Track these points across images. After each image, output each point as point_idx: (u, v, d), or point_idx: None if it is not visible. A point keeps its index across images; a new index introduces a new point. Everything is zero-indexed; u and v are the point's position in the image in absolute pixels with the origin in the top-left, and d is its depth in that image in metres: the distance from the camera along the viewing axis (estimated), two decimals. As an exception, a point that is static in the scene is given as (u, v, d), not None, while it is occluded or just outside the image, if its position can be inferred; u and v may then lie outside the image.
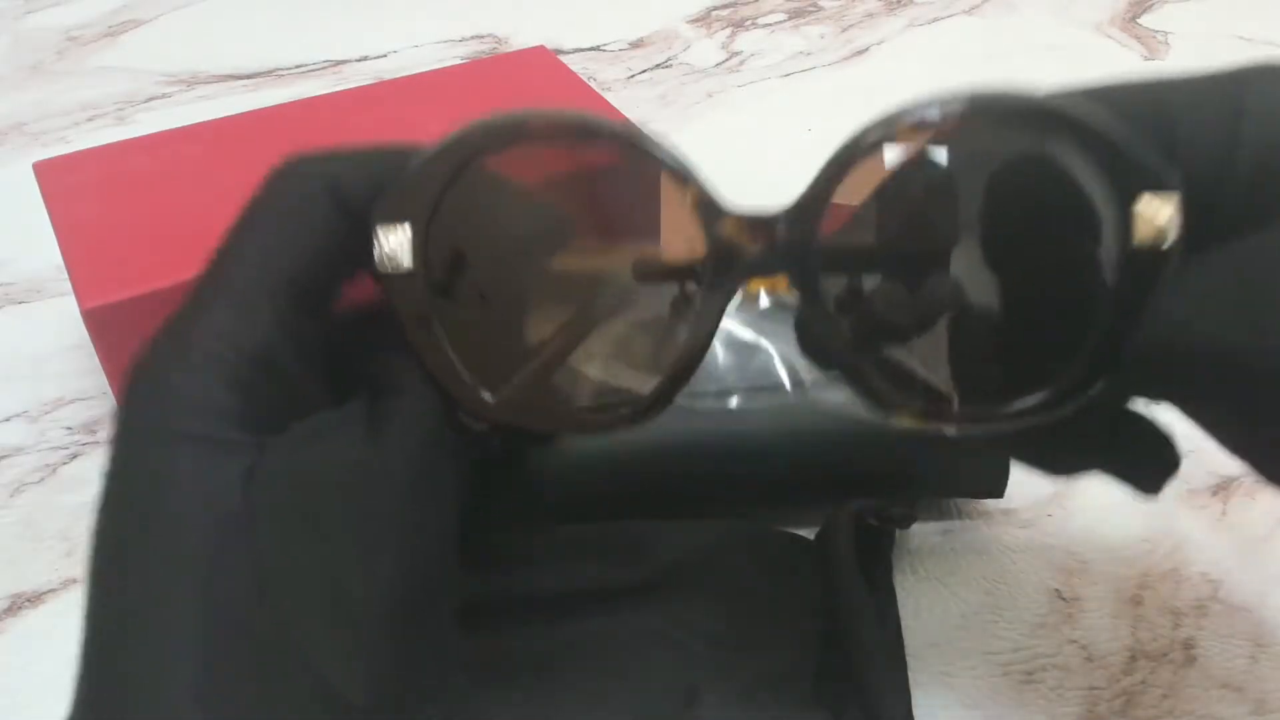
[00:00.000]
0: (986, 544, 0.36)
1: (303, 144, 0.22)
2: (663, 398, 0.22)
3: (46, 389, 0.43)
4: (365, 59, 0.67)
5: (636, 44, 0.69)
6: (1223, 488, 0.38)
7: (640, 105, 0.63)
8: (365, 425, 0.20)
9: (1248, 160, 0.20)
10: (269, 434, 0.20)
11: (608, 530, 0.34)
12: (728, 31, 0.71)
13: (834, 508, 0.33)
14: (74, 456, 0.40)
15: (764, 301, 0.37)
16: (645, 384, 0.22)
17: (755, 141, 0.59)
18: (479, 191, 0.22)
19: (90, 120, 0.61)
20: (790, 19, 0.72)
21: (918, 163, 0.21)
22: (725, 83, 0.65)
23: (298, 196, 0.22)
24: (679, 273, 0.22)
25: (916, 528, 0.35)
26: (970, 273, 0.23)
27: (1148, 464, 0.25)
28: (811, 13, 0.73)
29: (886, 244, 0.22)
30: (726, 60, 0.67)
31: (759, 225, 0.21)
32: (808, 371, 0.34)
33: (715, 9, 0.74)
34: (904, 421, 0.22)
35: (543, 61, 0.51)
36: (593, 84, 0.57)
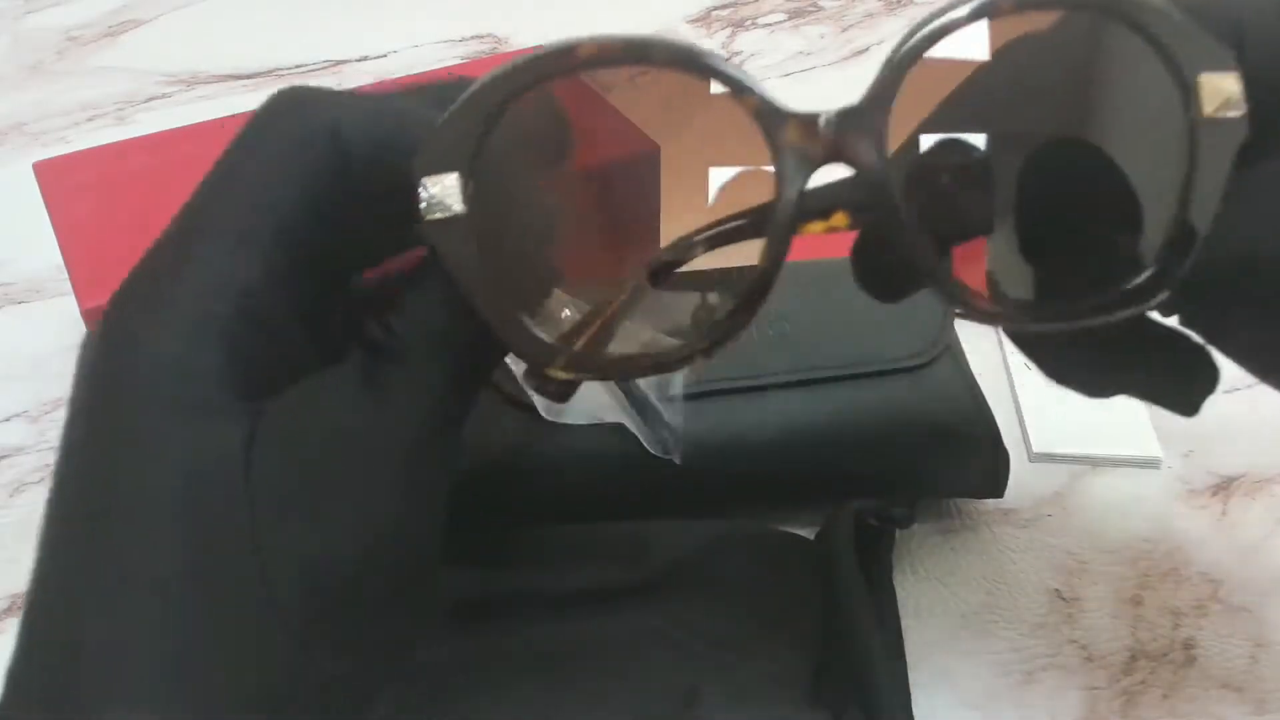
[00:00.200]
0: (986, 544, 0.36)
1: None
2: (738, 320, 0.20)
3: (46, 389, 0.43)
4: (365, 59, 0.67)
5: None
6: (1223, 488, 0.38)
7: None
8: (367, 391, 0.19)
9: None
10: (261, 398, 0.19)
11: (608, 530, 0.34)
12: (728, 31, 0.71)
13: (834, 508, 0.33)
14: (74, 456, 0.40)
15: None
16: (719, 311, 0.21)
17: (755, 141, 0.59)
18: (529, 129, 0.20)
19: (90, 120, 0.61)
20: (790, 19, 0.72)
21: (981, 52, 0.21)
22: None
23: (295, 135, 0.20)
24: (749, 189, 0.21)
25: (916, 528, 0.35)
26: (1036, 166, 0.22)
27: (1187, 381, 0.25)
28: (811, 13, 0.73)
29: (953, 137, 0.22)
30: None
31: (814, 124, 0.20)
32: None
33: (715, 9, 0.74)
34: (967, 314, 0.21)
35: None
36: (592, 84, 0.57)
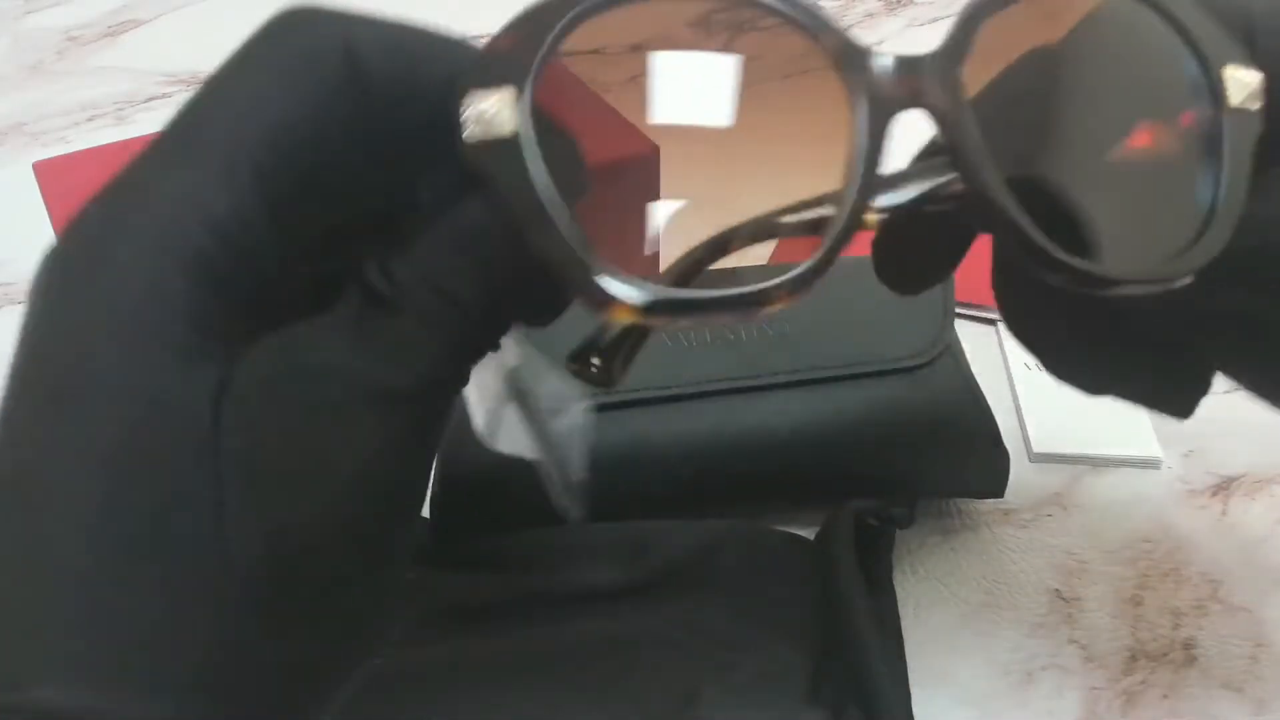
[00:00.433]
0: (986, 544, 0.36)
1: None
2: (824, 261, 0.19)
3: (46, 389, 0.43)
4: (365, 59, 0.67)
5: (636, 47, 0.68)
6: (1223, 488, 0.38)
7: (640, 105, 0.62)
8: (357, 344, 0.17)
9: None
10: (236, 342, 0.17)
11: (607, 530, 0.34)
12: (728, 34, 0.71)
13: (834, 508, 0.33)
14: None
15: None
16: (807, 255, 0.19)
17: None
18: (597, 53, 0.19)
19: (90, 120, 0.61)
20: (790, 19, 0.72)
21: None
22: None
23: (305, 48, 0.17)
24: (831, 124, 0.20)
25: (916, 528, 0.35)
26: (1083, 142, 0.23)
27: (1181, 383, 0.25)
28: (811, 13, 0.73)
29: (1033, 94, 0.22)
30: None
31: (907, 66, 0.19)
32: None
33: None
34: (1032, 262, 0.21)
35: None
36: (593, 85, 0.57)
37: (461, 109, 0.17)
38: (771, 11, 0.20)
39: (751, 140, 0.21)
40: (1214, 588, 0.34)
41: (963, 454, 0.35)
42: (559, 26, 0.18)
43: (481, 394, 0.24)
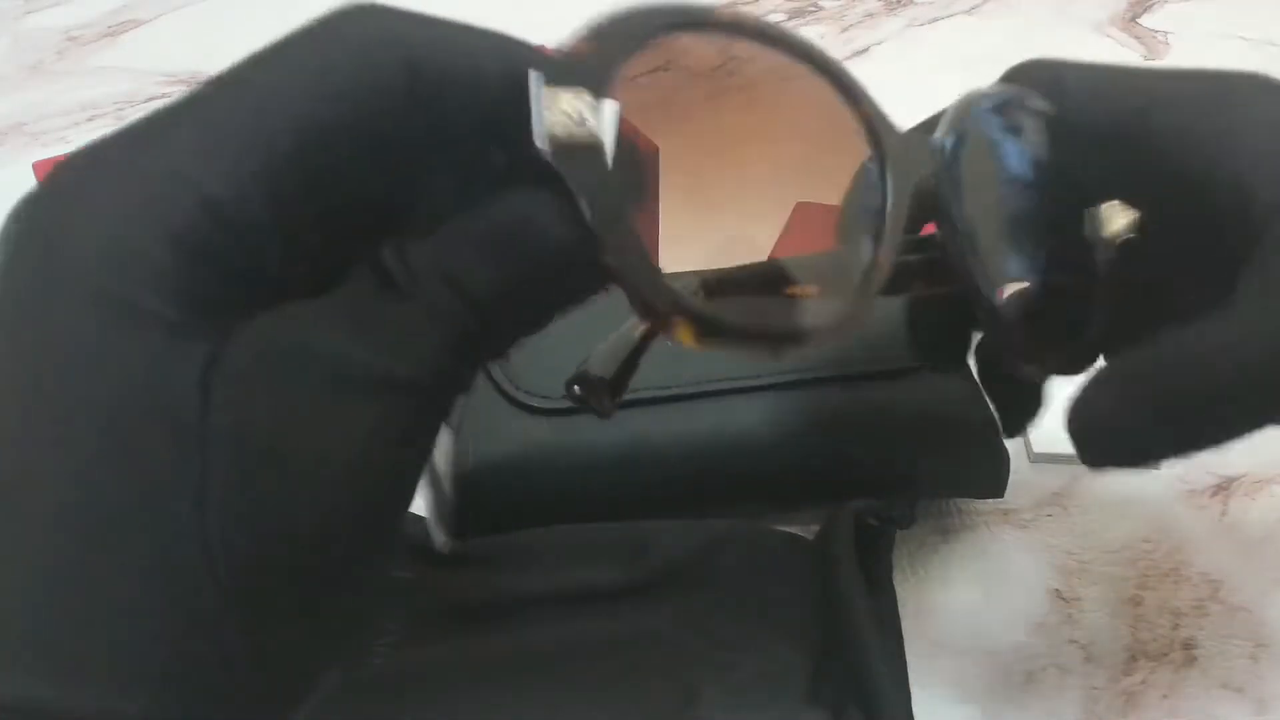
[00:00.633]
0: (986, 544, 0.36)
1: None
2: (858, 313, 0.22)
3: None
4: (365, 59, 0.67)
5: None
6: (1223, 488, 0.38)
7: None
8: (360, 329, 0.16)
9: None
10: (226, 318, 0.16)
11: (608, 530, 0.34)
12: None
13: (834, 508, 0.33)
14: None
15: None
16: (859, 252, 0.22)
17: (755, 142, 0.59)
18: (677, 69, 0.20)
19: (90, 120, 0.61)
20: (790, 19, 0.72)
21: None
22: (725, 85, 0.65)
23: (360, 42, 0.17)
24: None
25: (916, 528, 0.35)
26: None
27: (1020, 407, 0.31)
28: (811, 13, 0.73)
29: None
30: (725, 64, 0.67)
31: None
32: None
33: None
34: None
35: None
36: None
37: (542, 108, 0.17)
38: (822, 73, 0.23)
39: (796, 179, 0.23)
40: (1214, 588, 0.34)
41: (963, 454, 0.35)
42: (646, 38, 0.18)
43: None
